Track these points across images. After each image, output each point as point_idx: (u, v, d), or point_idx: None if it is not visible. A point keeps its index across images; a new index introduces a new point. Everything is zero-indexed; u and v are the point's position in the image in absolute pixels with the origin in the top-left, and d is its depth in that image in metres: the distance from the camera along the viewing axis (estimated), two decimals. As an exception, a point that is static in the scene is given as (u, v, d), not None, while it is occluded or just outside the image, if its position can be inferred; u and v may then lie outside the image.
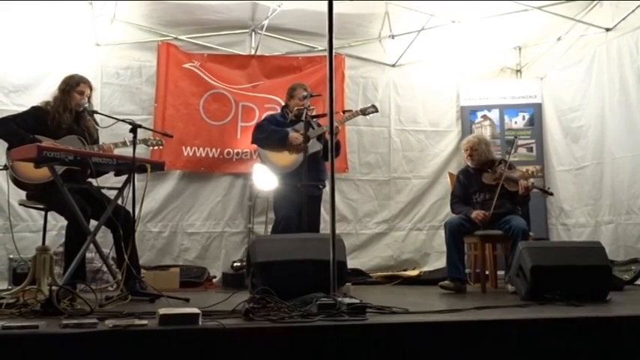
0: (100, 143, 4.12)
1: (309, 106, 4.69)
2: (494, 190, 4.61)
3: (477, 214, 4.55)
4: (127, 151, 3.96)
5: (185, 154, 5.85)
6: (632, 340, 2.60)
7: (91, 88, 4.12)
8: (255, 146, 5.05)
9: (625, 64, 5.26)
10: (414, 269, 5.95)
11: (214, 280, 5.53)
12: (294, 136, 4.71)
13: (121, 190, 3.79)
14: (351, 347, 2.33)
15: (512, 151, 5.24)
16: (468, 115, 6.56)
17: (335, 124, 3.07)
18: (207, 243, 5.85)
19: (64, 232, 3.88)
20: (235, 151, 5.97)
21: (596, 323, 2.69)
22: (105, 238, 4.05)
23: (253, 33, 6.16)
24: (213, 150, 5.94)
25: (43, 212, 4.16)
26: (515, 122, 6.49)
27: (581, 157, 5.80)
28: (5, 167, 3.85)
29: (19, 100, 5.24)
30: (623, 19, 5.30)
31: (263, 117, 5.38)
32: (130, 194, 3.60)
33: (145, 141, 4.45)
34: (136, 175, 3.67)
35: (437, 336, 2.47)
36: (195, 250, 5.80)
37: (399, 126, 6.44)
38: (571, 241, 5.53)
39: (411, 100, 6.49)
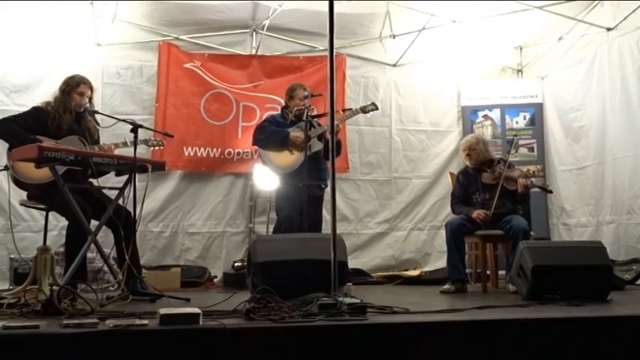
0: (101, 144, 4.12)
1: (309, 106, 4.68)
2: (494, 190, 4.61)
3: (478, 213, 4.55)
4: (128, 151, 3.96)
5: (186, 154, 5.85)
6: (633, 340, 2.59)
7: (91, 89, 4.12)
8: (255, 147, 5.05)
9: (626, 64, 5.26)
10: (414, 269, 5.94)
11: (215, 280, 5.53)
12: (296, 135, 4.71)
13: (121, 190, 3.79)
14: (351, 347, 2.33)
15: (513, 150, 5.24)
16: (468, 115, 6.56)
17: (335, 122, 3.07)
18: (208, 243, 5.86)
19: (64, 232, 3.89)
20: (236, 151, 5.97)
21: (597, 323, 2.68)
22: (106, 238, 4.04)
23: (254, 33, 6.16)
24: (214, 150, 5.93)
25: (44, 212, 4.15)
26: (517, 122, 6.48)
27: (583, 156, 5.80)
28: (6, 167, 3.85)
29: (20, 100, 5.25)
30: (625, 18, 5.30)
31: (263, 118, 5.38)
32: (131, 194, 3.60)
33: (145, 141, 4.46)
34: (136, 175, 3.68)
35: (438, 336, 2.46)
36: (196, 250, 5.81)
37: (399, 126, 6.44)
38: (572, 241, 5.52)
39: (412, 100, 6.49)
